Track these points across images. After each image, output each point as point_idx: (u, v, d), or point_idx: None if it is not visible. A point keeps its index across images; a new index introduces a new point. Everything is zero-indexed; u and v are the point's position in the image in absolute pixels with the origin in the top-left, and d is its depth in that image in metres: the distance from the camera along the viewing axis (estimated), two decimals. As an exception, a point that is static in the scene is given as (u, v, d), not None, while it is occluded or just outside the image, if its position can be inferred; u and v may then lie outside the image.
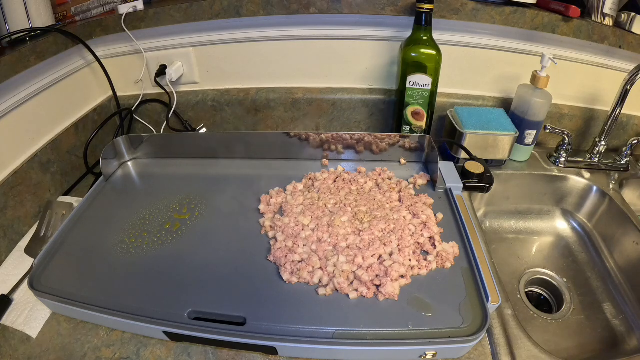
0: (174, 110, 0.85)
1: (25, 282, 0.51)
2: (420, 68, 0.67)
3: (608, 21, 0.69)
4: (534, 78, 0.68)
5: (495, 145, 0.70)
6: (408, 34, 0.68)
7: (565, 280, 0.68)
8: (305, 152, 0.70)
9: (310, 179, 0.65)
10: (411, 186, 0.63)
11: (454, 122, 0.72)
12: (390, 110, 0.82)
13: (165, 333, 0.45)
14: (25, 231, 0.63)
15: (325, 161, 0.70)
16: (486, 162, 0.66)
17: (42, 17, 0.71)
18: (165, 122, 0.86)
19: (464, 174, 0.64)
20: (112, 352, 0.46)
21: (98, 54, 0.78)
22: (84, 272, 0.51)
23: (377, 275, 0.48)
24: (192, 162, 0.72)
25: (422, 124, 0.73)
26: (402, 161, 0.69)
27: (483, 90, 0.81)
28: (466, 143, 0.70)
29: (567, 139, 0.73)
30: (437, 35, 0.66)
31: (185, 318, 0.45)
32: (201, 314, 0.46)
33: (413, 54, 0.66)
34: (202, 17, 0.75)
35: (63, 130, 0.73)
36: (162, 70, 0.81)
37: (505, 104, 0.79)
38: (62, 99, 0.73)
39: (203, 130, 0.84)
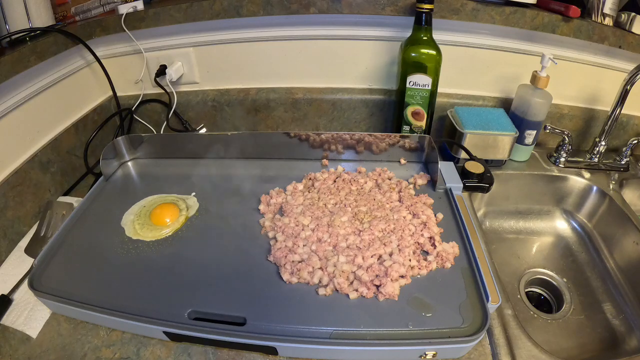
0: (174, 110, 0.85)
1: (25, 282, 0.51)
2: (420, 68, 0.67)
3: (608, 21, 0.69)
4: (534, 78, 0.69)
5: (495, 145, 0.70)
6: (408, 34, 0.68)
7: (565, 280, 0.68)
8: (305, 152, 0.70)
9: (310, 179, 0.65)
10: (411, 186, 0.63)
11: (454, 122, 0.72)
12: (390, 110, 0.82)
13: (165, 333, 0.45)
14: (25, 231, 0.63)
15: (325, 161, 0.70)
16: (486, 162, 0.66)
17: (42, 17, 0.71)
18: (165, 122, 0.86)
19: (464, 174, 0.64)
20: (112, 352, 0.46)
21: (98, 54, 0.78)
22: (84, 272, 0.51)
23: (377, 275, 0.48)
24: (192, 162, 0.72)
25: (422, 124, 0.73)
26: (402, 161, 0.69)
27: (483, 90, 0.81)
28: (466, 143, 0.70)
29: (567, 139, 0.73)
30: (437, 35, 0.66)
31: (185, 318, 0.45)
32: (201, 314, 0.46)
33: (413, 54, 0.66)
34: (202, 17, 0.75)
35: (63, 130, 0.73)
36: (162, 70, 0.81)
37: (505, 104, 0.79)
38: (62, 99, 0.73)
39: (203, 130, 0.84)
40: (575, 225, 0.75)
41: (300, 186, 0.63)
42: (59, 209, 0.66)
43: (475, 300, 0.45)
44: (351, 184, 0.63)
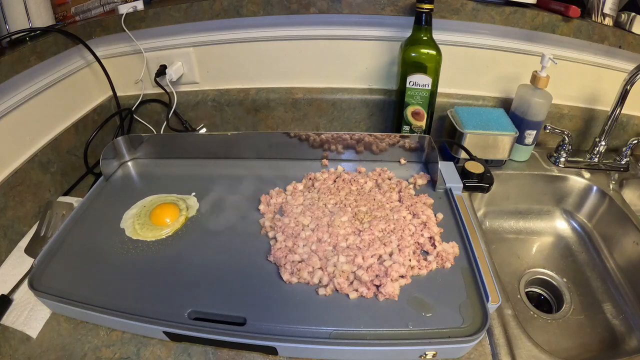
0: (174, 110, 0.85)
1: (25, 282, 0.51)
2: (420, 68, 0.67)
3: (608, 21, 0.69)
4: (534, 78, 0.69)
5: (495, 145, 0.70)
6: (408, 34, 0.68)
7: (565, 280, 0.68)
8: (305, 152, 0.70)
9: (310, 179, 0.65)
10: (411, 186, 0.63)
11: (454, 122, 0.72)
12: (390, 110, 0.82)
13: (165, 333, 0.45)
14: (25, 231, 0.63)
15: (325, 161, 0.70)
16: (486, 162, 0.66)
17: (42, 17, 0.71)
18: (165, 122, 0.86)
19: (464, 174, 0.64)
20: (112, 352, 0.46)
21: (98, 54, 0.78)
22: (84, 272, 0.51)
23: (377, 275, 0.48)
24: (192, 162, 0.72)
25: (422, 124, 0.73)
26: (402, 161, 0.69)
27: (483, 90, 0.81)
28: (466, 143, 0.70)
29: (567, 139, 0.73)
30: (437, 35, 0.66)
31: (185, 318, 0.45)
32: (201, 314, 0.46)
33: (413, 54, 0.66)
34: (202, 17, 0.75)
35: (63, 130, 0.73)
36: (162, 70, 0.81)
37: (505, 104, 0.79)
38: (62, 99, 0.73)
39: (203, 130, 0.84)
40: (575, 225, 0.75)
41: (300, 186, 0.63)
42: (59, 209, 0.66)
43: (475, 300, 0.45)
44: (351, 184, 0.63)
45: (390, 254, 0.50)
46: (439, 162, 0.62)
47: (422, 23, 0.64)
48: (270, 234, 0.55)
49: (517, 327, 0.48)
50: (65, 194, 0.72)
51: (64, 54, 0.71)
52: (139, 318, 0.44)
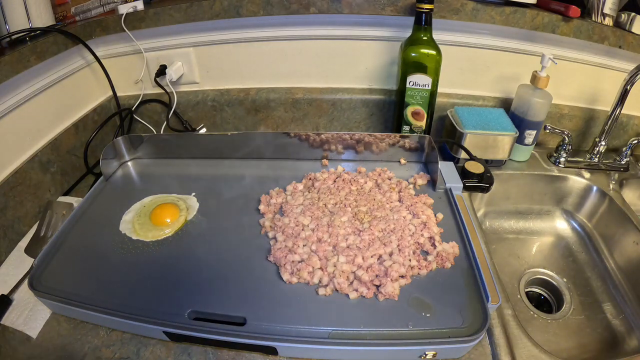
0: (174, 110, 0.85)
1: (25, 282, 0.51)
2: (420, 68, 0.67)
3: (608, 21, 0.69)
4: (534, 78, 0.69)
5: (495, 145, 0.70)
6: (408, 34, 0.68)
7: (565, 280, 0.68)
8: (305, 152, 0.70)
9: (310, 179, 0.65)
10: (411, 186, 0.63)
11: (454, 122, 0.72)
12: (390, 110, 0.82)
13: (165, 333, 0.45)
14: (25, 231, 0.63)
15: (325, 161, 0.70)
16: (486, 162, 0.66)
17: (42, 17, 0.71)
18: (165, 122, 0.86)
19: (464, 174, 0.64)
20: (112, 352, 0.46)
21: (98, 54, 0.78)
22: (84, 272, 0.52)
23: (377, 275, 0.48)
24: (192, 162, 0.72)
25: (422, 124, 0.73)
26: (402, 161, 0.69)
27: (483, 90, 0.81)
28: (466, 143, 0.70)
29: (567, 139, 0.73)
30: (437, 35, 0.66)
31: (185, 318, 0.45)
32: (201, 314, 0.46)
33: (413, 54, 0.66)
34: (202, 17, 0.75)
35: (63, 130, 0.73)
36: (162, 70, 0.81)
37: (505, 104, 0.79)
38: (62, 99, 0.73)
39: (203, 130, 0.84)
40: (575, 225, 0.75)
41: (300, 186, 0.63)
42: (59, 209, 0.66)
43: (475, 300, 0.45)
44: (351, 184, 0.63)
45: (390, 254, 0.50)
46: (439, 162, 0.62)
47: (422, 23, 0.64)
48: (270, 234, 0.55)
49: (517, 327, 0.48)
50: (65, 194, 0.72)
51: (64, 54, 0.71)
52: (139, 318, 0.44)
